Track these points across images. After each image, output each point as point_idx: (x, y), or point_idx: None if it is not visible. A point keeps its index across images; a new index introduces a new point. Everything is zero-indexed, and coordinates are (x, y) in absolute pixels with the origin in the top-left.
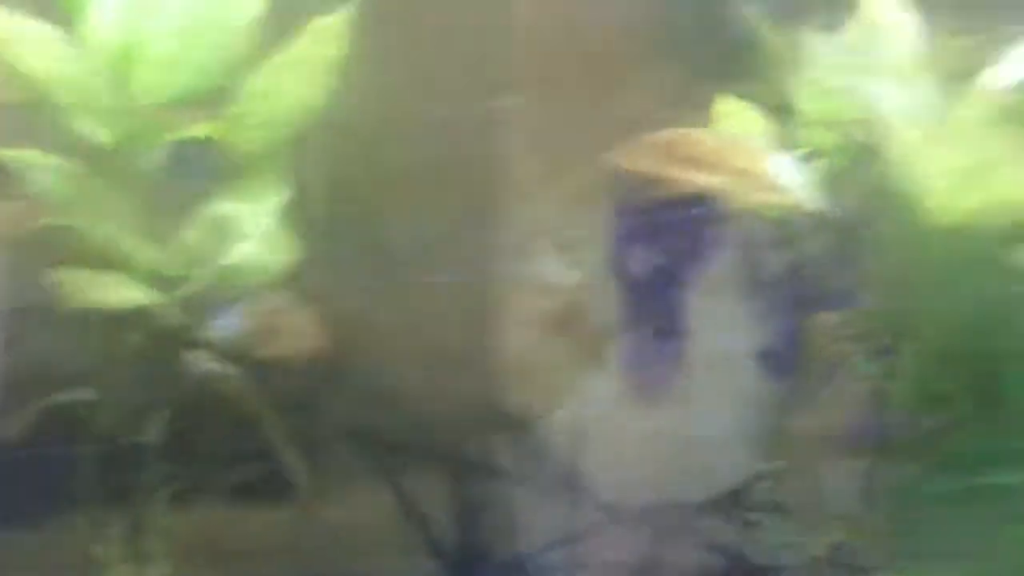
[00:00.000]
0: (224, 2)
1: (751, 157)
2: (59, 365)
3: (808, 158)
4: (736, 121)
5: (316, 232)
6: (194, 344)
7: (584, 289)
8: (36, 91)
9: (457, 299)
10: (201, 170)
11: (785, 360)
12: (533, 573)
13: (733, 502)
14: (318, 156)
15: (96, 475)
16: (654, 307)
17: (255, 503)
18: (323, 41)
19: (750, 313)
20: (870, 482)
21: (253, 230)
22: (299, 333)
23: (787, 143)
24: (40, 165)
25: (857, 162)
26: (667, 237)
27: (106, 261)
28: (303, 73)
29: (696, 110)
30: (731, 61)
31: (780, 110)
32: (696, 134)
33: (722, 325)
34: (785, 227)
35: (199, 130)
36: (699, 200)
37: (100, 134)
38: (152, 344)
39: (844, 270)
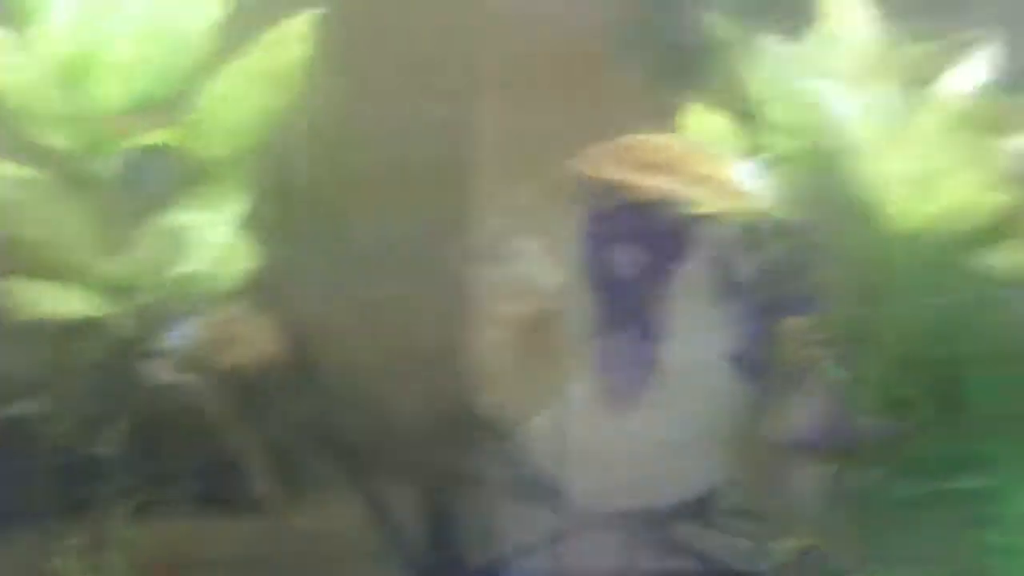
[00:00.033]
0: (183, 6)
1: (713, 163)
2: (12, 377)
3: (770, 164)
4: (699, 126)
5: (281, 239)
6: (149, 355)
7: (553, 294)
8: None
9: (425, 304)
10: (159, 178)
11: (754, 365)
12: None
13: (703, 507)
14: (282, 161)
15: (54, 488)
16: (624, 312)
17: (218, 514)
18: (286, 45)
19: (719, 318)
20: (838, 486)
21: (211, 239)
22: (254, 341)
23: (749, 149)
24: None
25: (817, 168)
26: (634, 242)
27: (60, 271)
28: (265, 78)
29: (659, 116)
30: (693, 66)
31: (742, 116)
32: (658, 139)
33: (691, 330)
34: (749, 232)
35: (156, 137)
36: (664, 205)
37: (54, 141)
38: (107, 355)
39: (805, 275)
